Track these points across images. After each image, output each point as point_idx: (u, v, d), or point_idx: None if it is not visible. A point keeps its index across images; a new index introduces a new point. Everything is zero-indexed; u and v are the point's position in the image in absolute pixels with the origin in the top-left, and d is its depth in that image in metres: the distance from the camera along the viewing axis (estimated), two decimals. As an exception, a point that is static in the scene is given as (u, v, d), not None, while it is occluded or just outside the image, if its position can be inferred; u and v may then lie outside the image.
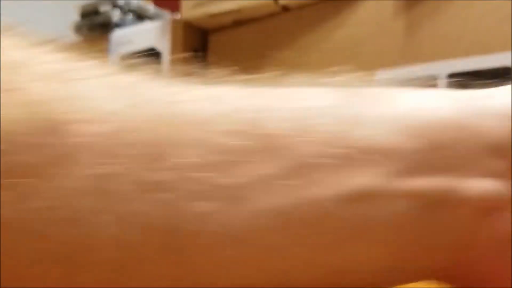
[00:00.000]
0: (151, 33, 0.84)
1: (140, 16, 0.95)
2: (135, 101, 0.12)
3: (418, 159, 0.12)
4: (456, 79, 0.56)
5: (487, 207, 0.12)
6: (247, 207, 0.11)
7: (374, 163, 0.12)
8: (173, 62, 0.81)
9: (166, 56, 0.82)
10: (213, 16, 0.74)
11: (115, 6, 0.92)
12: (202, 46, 0.82)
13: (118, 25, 0.91)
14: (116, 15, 0.91)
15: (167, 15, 0.98)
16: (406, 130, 0.12)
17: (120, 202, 0.11)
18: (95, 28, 0.93)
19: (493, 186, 0.12)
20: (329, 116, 0.12)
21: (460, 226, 0.12)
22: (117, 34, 0.90)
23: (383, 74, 0.61)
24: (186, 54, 0.80)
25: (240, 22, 0.75)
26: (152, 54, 0.84)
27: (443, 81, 0.57)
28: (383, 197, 0.12)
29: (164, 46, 0.82)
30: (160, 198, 0.11)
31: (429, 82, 0.58)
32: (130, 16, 0.94)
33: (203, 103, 0.12)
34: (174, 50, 0.81)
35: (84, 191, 0.11)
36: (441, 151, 0.12)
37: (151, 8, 0.98)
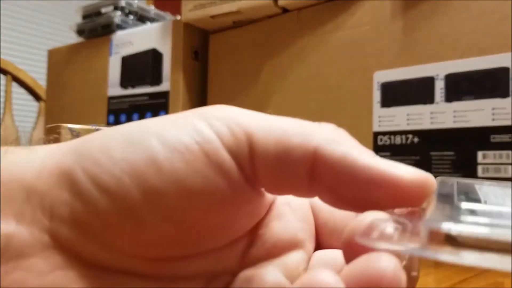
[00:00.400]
0: (152, 34, 0.85)
1: (142, 17, 0.96)
2: None
3: None
4: (454, 80, 0.57)
5: (8, 253, 0.12)
6: None
7: None
8: (174, 63, 0.81)
9: (167, 57, 0.82)
10: (214, 17, 0.75)
11: (116, 7, 0.93)
12: (202, 47, 0.82)
13: (119, 26, 0.92)
14: (117, 17, 0.92)
15: (168, 16, 0.98)
16: None
17: None
18: (96, 30, 0.93)
19: (17, 231, 0.12)
20: None
21: None
22: (118, 36, 0.90)
23: (381, 75, 0.62)
24: (187, 55, 0.81)
25: (240, 23, 0.76)
26: (153, 55, 0.84)
27: (441, 82, 0.57)
28: None
29: (165, 47, 0.82)
30: None
31: (428, 82, 0.58)
32: (131, 18, 0.94)
33: None
34: (175, 51, 0.81)
35: None
36: None
37: (152, 9, 0.98)
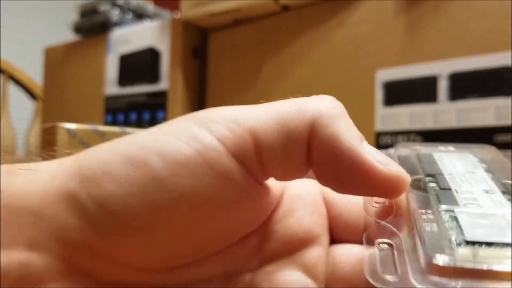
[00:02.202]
0: (150, 32, 0.84)
1: (140, 15, 0.95)
2: None
3: None
4: (458, 79, 0.56)
5: (25, 282, 0.12)
6: None
7: None
8: (173, 61, 0.80)
9: (165, 55, 0.81)
10: (213, 15, 0.74)
11: (114, 5, 0.92)
12: (201, 45, 0.81)
13: (117, 24, 0.91)
14: (115, 14, 0.91)
15: (166, 14, 0.98)
16: None
17: None
18: (94, 28, 0.93)
19: (25, 257, 0.12)
20: None
21: None
22: (116, 34, 0.89)
23: (383, 73, 0.61)
24: (186, 54, 0.80)
25: (240, 21, 0.75)
26: (151, 54, 0.83)
27: (444, 80, 0.57)
28: None
29: (163, 45, 0.82)
30: None
31: (431, 81, 0.58)
32: (129, 15, 0.93)
33: None
34: (173, 49, 0.80)
35: None
36: None
37: (150, 7, 0.97)
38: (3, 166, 0.13)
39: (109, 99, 0.89)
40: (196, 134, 0.14)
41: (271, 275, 0.15)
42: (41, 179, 0.13)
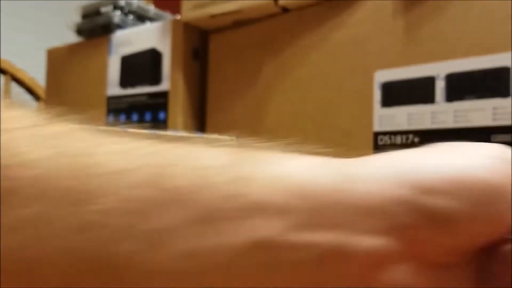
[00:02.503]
0: (151, 34, 0.84)
1: (141, 17, 0.96)
2: (57, 151, 0.14)
3: (309, 216, 0.14)
4: (455, 80, 0.57)
5: (375, 262, 0.14)
6: (164, 250, 0.13)
7: (271, 217, 0.14)
8: (174, 62, 0.81)
9: (166, 56, 0.82)
10: (214, 17, 0.74)
11: (116, 7, 0.92)
12: (202, 46, 0.82)
13: (119, 26, 0.91)
14: (117, 16, 0.92)
15: (167, 16, 0.98)
16: (292, 190, 0.14)
17: (54, 237, 0.12)
18: (96, 29, 0.93)
19: (378, 242, 0.14)
20: (224, 174, 0.14)
21: (352, 279, 0.14)
22: (118, 35, 0.90)
23: (382, 74, 0.62)
24: (187, 55, 0.81)
25: (240, 22, 0.75)
26: (152, 55, 0.84)
27: (442, 81, 0.57)
28: (282, 247, 0.14)
29: (164, 47, 0.82)
30: (89, 237, 0.13)
31: (428, 82, 0.58)
32: (131, 17, 0.94)
33: (115, 156, 0.14)
34: (174, 50, 0.81)
35: (16, 227, 0.12)
36: (325, 211, 0.14)
37: (151, 9, 0.98)
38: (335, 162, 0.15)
39: (111, 99, 0.90)
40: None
41: (484, 255, 0.18)
42: (369, 184, 0.15)
